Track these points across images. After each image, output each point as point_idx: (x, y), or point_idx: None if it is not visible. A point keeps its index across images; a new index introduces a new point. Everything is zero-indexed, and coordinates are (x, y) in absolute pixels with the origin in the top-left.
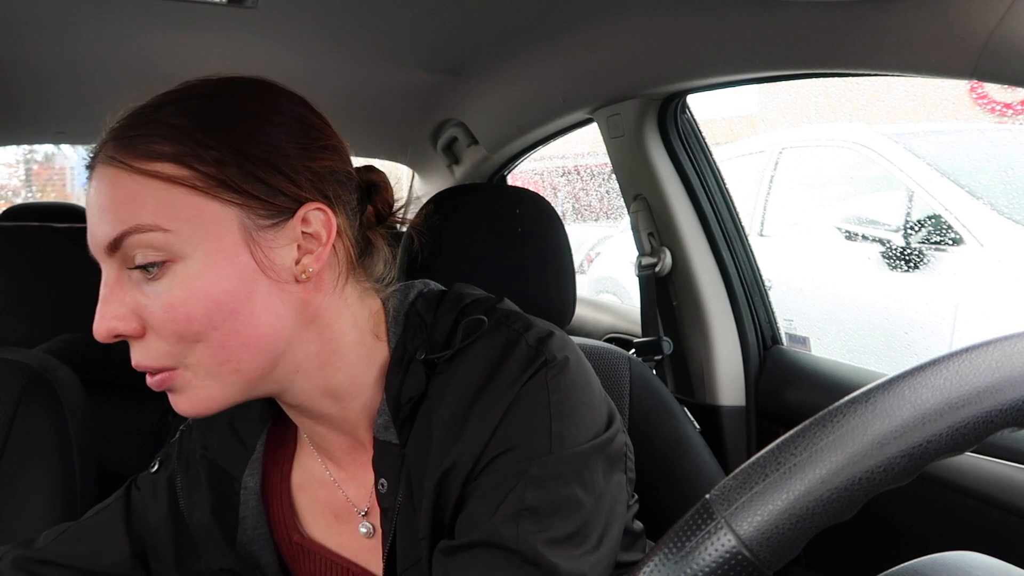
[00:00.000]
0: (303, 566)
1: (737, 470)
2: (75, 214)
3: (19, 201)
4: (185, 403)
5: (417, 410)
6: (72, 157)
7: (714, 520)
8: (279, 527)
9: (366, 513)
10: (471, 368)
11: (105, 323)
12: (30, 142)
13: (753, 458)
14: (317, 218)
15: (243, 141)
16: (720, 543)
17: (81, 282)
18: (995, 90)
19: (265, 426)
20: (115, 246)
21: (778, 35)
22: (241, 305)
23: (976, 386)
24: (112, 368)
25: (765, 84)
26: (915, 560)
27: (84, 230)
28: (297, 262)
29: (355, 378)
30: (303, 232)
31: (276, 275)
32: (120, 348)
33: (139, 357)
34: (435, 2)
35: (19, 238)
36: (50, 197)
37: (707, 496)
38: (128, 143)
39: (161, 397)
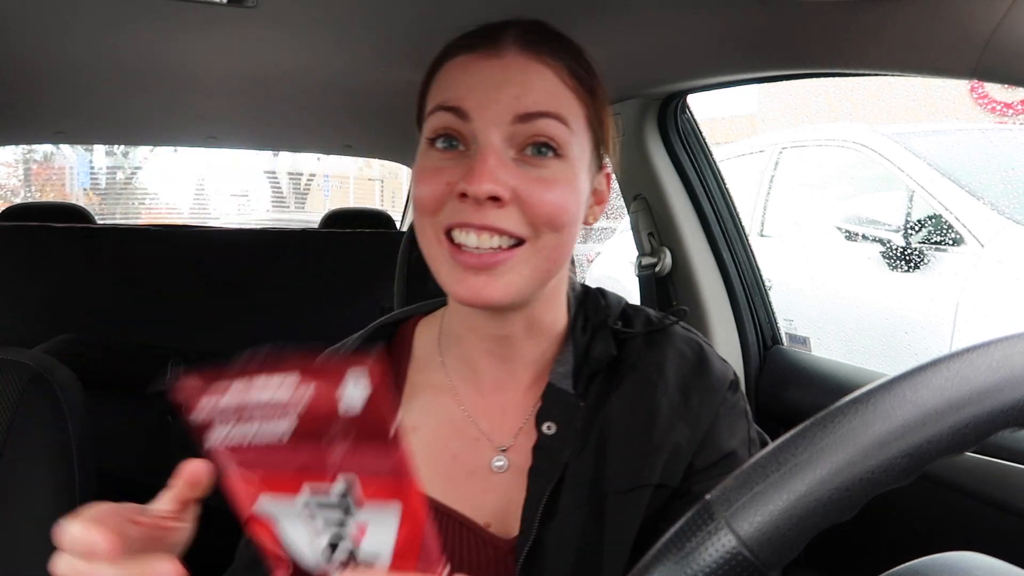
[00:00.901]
0: None
1: (737, 470)
2: (75, 214)
3: (18, 201)
4: (501, 286)
5: (613, 371)
6: (71, 157)
7: (714, 520)
8: None
9: (506, 449)
10: (676, 357)
11: (490, 184)
12: (29, 142)
13: (754, 458)
14: (603, 180)
15: (604, 98)
16: (721, 543)
17: (81, 282)
18: (995, 90)
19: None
20: (526, 119)
21: (778, 35)
22: (579, 219)
23: (977, 386)
24: (112, 368)
25: (765, 84)
26: (915, 560)
27: (83, 230)
28: (589, 207)
29: (551, 325)
30: (594, 188)
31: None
32: (120, 348)
33: (495, 220)
34: (436, 2)
35: (19, 238)
36: (49, 197)
37: (708, 496)
38: (557, 55)
39: (161, 397)
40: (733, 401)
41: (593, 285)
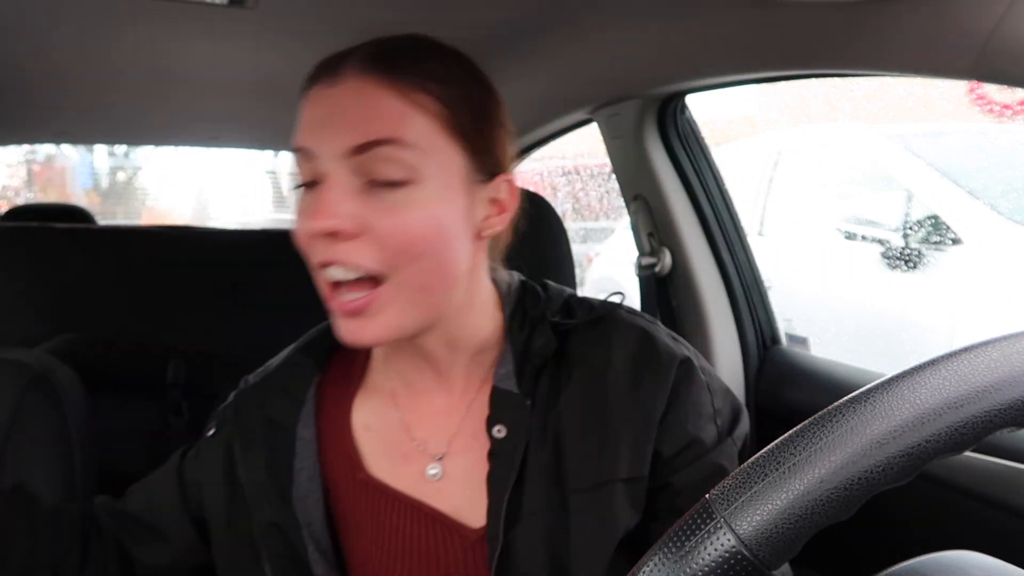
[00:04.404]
0: (364, 506)
1: (737, 470)
2: (76, 215)
3: (20, 201)
4: (374, 328)
5: (558, 366)
6: (72, 157)
7: (714, 520)
8: (340, 468)
9: (441, 457)
10: (622, 344)
11: (325, 219)
12: (31, 142)
13: (753, 458)
14: (505, 188)
15: (485, 104)
16: (720, 543)
17: (82, 282)
18: (994, 91)
19: (314, 379)
20: (362, 150)
21: (778, 35)
22: (452, 241)
23: (975, 386)
24: (112, 368)
25: (765, 84)
26: (915, 560)
27: (85, 230)
28: (484, 219)
29: (474, 335)
30: (491, 197)
31: (471, 225)
32: (120, 349)
33: (348, 255)
34: (435, 2)
35: (20, 238)
36: (51, 197)
37: (707, 495)
38: (400, 69)
39: (161, 397)
40: (688, 380)
41: (593, 285)
